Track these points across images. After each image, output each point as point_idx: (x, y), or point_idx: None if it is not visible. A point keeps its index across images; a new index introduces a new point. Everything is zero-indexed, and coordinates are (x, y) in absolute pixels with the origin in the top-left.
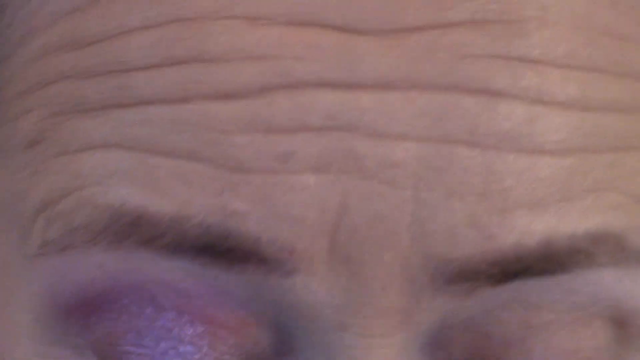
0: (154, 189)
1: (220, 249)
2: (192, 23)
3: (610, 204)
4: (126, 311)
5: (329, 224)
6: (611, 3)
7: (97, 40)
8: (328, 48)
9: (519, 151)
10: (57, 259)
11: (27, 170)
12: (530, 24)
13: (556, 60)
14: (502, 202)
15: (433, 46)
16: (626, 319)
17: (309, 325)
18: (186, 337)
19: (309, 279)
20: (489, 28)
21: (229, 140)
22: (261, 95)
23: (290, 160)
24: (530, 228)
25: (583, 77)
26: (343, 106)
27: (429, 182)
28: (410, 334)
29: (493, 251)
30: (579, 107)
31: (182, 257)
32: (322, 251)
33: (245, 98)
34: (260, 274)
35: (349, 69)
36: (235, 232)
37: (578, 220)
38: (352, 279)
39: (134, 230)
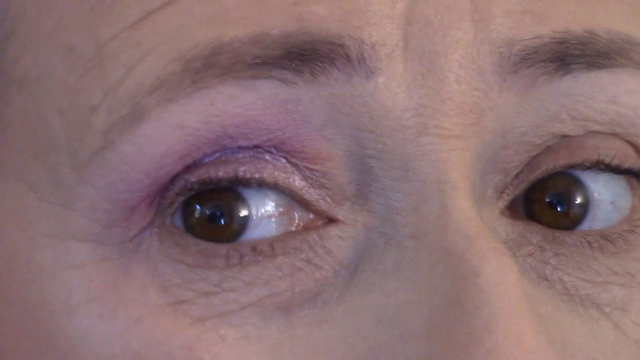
0: (225, 21)
1: (304, 55)
2: None
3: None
4: (209, 168)
5: (402, 17)
6: None
7: None
8: None
9: None
10: (125, 143)
11: (72, 75)
12: None
13: None
14: None
15: None
16: None
17: (388, 140)
18: (262, 162)
19: (389, 78)
20: None
21: None
22: None
23: None
24: (576, 16)
25: None
26: None
27: None
28: (480, 139)
29: (551, 33)
30: None
31: (267, 79)
32: (398, 45)
33: None
34: (344, 78)
35: None
36: (317, 33)
37: (614, 21)
38: (427, 73)
39: (214, 64)
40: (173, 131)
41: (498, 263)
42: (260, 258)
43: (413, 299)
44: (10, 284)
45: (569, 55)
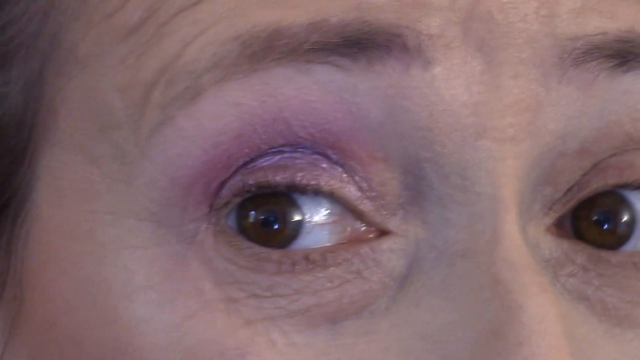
0: (283, 4)
1: (361, 44)
2: None
3: None
4: (262, 147)
5: (463, 11)
6: None
7: None
8: None
9: None
10: (183, 117)
11: (132, 55)
12: None
13: None
14: None
15: None
16: None
17: (447, 140)
18: (319, 169)
19: (447, 69)
20: None
21: None
22: None
23: None
24: None
25: None
26: None
27: None
28: (537, 142)
29: (615, 30)
30: None
31: (322, 64)
32: (457, 38)
33: None
34: (401, 67)
35: None
36: (375, 23)
37: None
38: (485, 69)
39: (271, 47)
40: (229, 108)
41: (541, 300)
42: (312, 267)
43: (457, 320)
44: (69, 255)
45: (631, 53)
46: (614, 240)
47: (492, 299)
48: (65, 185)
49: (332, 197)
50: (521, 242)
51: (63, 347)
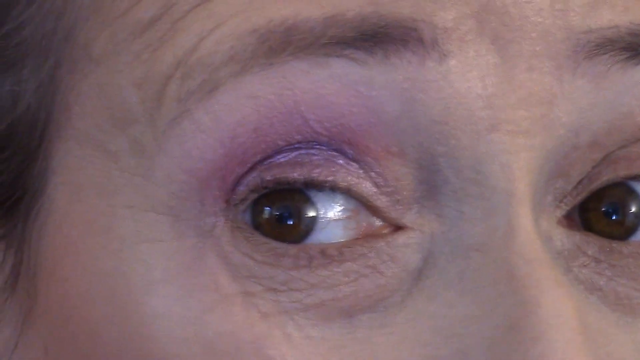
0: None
1: (378, 37)
2: None
3: None
4: (279, 143)
5: (477, 4)
6: None
7: None
8: None
9: None
10: (201, 110)
11: (147, 50)
12: None
13: None
14: None
15: None
16: None
17: (461, 134)
18: (335, 165)
19: (462, 62)
20: None
21: None
22: None
23: None
24: None
25: None
26: None
27: None
28: (550, 134)
29: (628, 23)
30: None
31: (339, 58)
32: (472, 31)
33: None
34: (417, 60)
35: None
36: (391, 17)
37: None
38: (499, 62)
39: (288, 41)
40: (247, 101)
41: (557, 294)
42: (329, 262)
43: (474, 314)
44: (86, 249)
45: None
46: (622, 231)
47: (508, 293)
48: (82, 180)
49: (349, 193)
50: (535, 236)
51: (79, 341)
